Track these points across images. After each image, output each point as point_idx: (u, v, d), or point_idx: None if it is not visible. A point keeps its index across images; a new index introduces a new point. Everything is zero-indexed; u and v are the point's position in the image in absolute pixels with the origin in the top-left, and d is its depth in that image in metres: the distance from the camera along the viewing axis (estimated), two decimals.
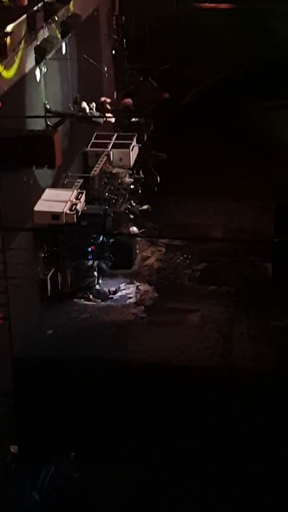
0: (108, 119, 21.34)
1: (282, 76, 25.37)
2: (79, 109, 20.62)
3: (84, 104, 20.65)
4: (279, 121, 25.53)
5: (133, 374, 17.04)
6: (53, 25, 18.91)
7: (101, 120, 21.14)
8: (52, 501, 16.32)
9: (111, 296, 20.20)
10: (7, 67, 16.44)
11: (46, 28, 18.58)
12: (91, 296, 19.99)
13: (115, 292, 20.32)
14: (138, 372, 17.09)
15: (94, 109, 21.08)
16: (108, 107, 22.05)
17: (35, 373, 17.15)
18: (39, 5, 17.95)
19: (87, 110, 20.65)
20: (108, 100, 22.33)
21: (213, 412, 16.50)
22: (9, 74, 16.65)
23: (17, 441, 16.97)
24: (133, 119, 23.53)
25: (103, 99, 22.22)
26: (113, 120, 21.52)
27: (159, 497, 16.04)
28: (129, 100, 22.93)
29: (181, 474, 16.24)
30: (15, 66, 16.92)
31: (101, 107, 21.94)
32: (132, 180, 22.19)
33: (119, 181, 21.77)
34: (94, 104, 21.16)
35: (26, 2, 17.34)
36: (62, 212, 18.43)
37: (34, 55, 18.14)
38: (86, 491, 16.34)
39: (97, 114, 21.01)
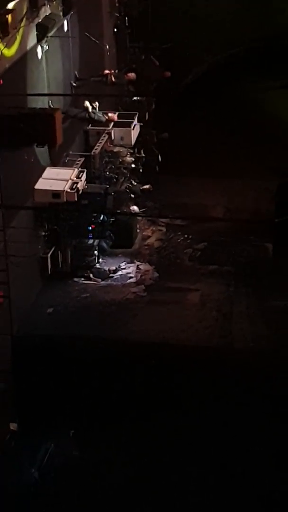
0: (110, 117, 21.27)
1: (283, 56, 25.29)
2: (82, 108, 20.68)
3: (87, 104, 20.69)
4: (281, 101, 25.46)
5: (132, 353, 17.08)
6: (54, 2, 18.79)
7: (103, 118, 21.13)
8: (51, 478, 16.41)
9: (111, 275, 20.21)
10: (8, 45, 16.36)
11: (48, 6, 18.49)
12: (91, 275, 19.99)
13: (115, 271, 20.33)
14: (138, 351, 17.12)
15: (97, 108, 21.12)
16: (113, 79, 22.03)
17: (35, 351, 17.20)
18: None
19: (90, 110, 20.67)
20: (112, 71, 22.32)
21: (213, 392, 16.55)
22: (10, 51, 16.57)
23: (16, 418, 17.05)
24: (135, 98, 23.47)
25: (107, 71, 22.18)
26: (115, 117, 21.42)
27: (158, 477, 16.13)
28: (132, 74, 22.93)
29: (181, 455, 16.32)
30: (16, 43, 16.83)
31: (105, 80, 21.94)
32: (133, 159, 22.14)
33: (120, 160, 21.73)
34: (97, 103, 21.22)
35: None
36: (63, 191, 18.39)
37: (35, 33, 18.06)
38: (85, 469, 16.42)
39: (100, 113, 21.03)
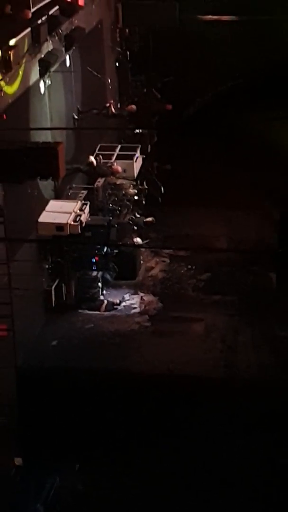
0: (114, 169, 21.48)
1: (285, 87, 25.44)
2: (86, 162, 21.02)
3: (92, 159, 21.03)
4: (282, 132, 25.59)
5: (137, 385, 17.06)
6: (57, 38, 19.02)
7: (108, 172, 21.37)
8: None
9: (115, 307, 20.25)
10: (11, 80, 16.55)
11: (50, 41, 18.71)
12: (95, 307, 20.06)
13: (119, 303, 20.37)
14: (142, 383, 17.10)
15: (101, 161, 21.42)
16: (113, 110, 22.29)
17: (39, 384, 17.18)
18: (43, 18, 18.09)
19: (95, 164, 20.88)
20: (112, 101, 22.59)
21: (219, 423, 16.49)
22: (13, 87, 16.76)
23: (21, 453, 17.00)
24: (137, 130, 23.65)
25: (108, 104, 22.43)
26: (119, 169, 21.66)
27: (162, 509, 16.03)
28: (133, 106, 23.21)
29: (186, 486, 16.23)
30: (19, 78, 17.02)
31: (105, 112, 22.19)
32: (136, 191, 22.27)
33: (123, 192, 21.86)
34: (101, 157, 21.60)
35: (30, 15, 17.47)
36: (66, 223, 18.50)
37: (38, 68, 18.27)
38: (90, 503, 16.33)
39: (104, 167, 21.30)
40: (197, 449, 16.42)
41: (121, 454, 16.65)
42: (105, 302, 20.29)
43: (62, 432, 16.89)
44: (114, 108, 22.59)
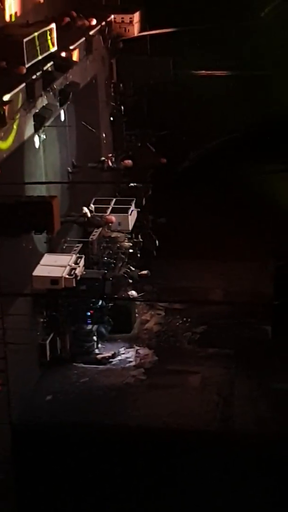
0: (108, 220, 21.61)
1: (279, 141, 25.66)
2: (80, 213, 21.15)
3: (86, 210, 21.20)
4: (278, 185, 25.73)
5: (133, 439, 16.93)
6: (51, 93, 19.20)
7: (102, 222, 21.54)
8: None
9: (110, 360, 20.16)
10: (6, 135, 16.67)
11: (45, 96, 18.88)
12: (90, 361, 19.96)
13: (114, 356, 20.27)
14: (138, 437, 16.97)
15: (94, 211, 21.66)
16: (110, 164, 22.44)
17: (35, 440, 17.03)
18: (38, 73, 18.29)
19: (89, 215, 21.07)
20: (110, 155, 22.75)
21: (215, 476, 16.34)
22: (7, 143, 16.87)
23: (18, 509, 16.79)
24: (132, 184, 23.79)
25: (103, 158, 22.60)
26: (113, 219, 21.79)
27: None
28: (129, 161, 23.38)
29: None
30: (13, 133, 17.14)
31: (101, 166, 22.35)
32: (131, 244, 22.31)
33: (118, 245, 21.90)
34: (93, 206, 21.85)
35: (25, 71, 17.68)
36: (61, 277, 18.49)
37: (33, 123, 18.41)
38: None
39: (98, 218, 21.51)
40: (193, 503, 16.25)
41: (117, 508, 16.47)
42: (101, 354, 20.22)
43: (58, 486, 16.72)
44: (111, 162, 22.75)
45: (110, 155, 23.19)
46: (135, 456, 16.74)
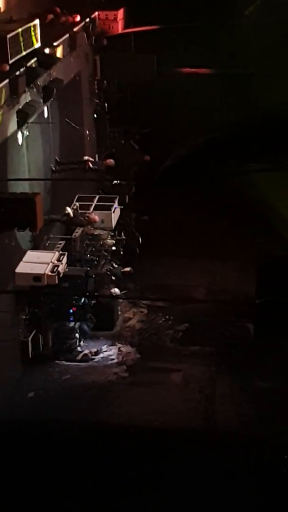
0: (91, 219, 21.61)
1: (261, 139, 25.70)
2: (63, 214, 21.15)
3: (68, 210, 21.22)
4: (260, 183, 25.78)
5: (115, 436, 16.91)
6: (35, 89, 19.14)
7: (85, 222, 21.53)
8: None
9: (92, 357, 20.15)
10: None
11: (28, 93, 18.82)
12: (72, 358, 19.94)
13: (96, 354, 20.26)
14: (120, 434, 16.96)
15: (77, 210, 21.70)
16: (90, 165, 22.40)
17: (16, 437, 16.97)
18: (21, 70, 18.23)
19: (71, 215, 21.07)
20: (91, 159, 22.72)
21: (197, 474, 16.34)
22: None
23: None
24: (115, 181, 23.76)
25: (85, 158, 22.57)
26: (96, 218, 21.81)
27: None
28: (111, 161, 23.32)
29: None
30: None
31: (83, 166, 22.31)
32: (114, 241, 22.31)
33: (101, 242, 21.89)
34: (78, 205, 21.87)
35: (7, 68, 17.61)
36: (44, 274, 18.46)
37: (16, 119, 18.34)
38: None
39: (81, 217, 21.54)
40: (174, 500, 16.23)
41: (98, 506, 16.43)
42: (83, 351, 20.19)
43: (38, 484, 16.65)
44: (92, 163, 22.67)
45: (89, 157, 23.07)
46: (117, 453, 16.70)
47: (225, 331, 21.46)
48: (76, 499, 16.64)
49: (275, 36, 25.19)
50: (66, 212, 21.14)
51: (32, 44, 19.08)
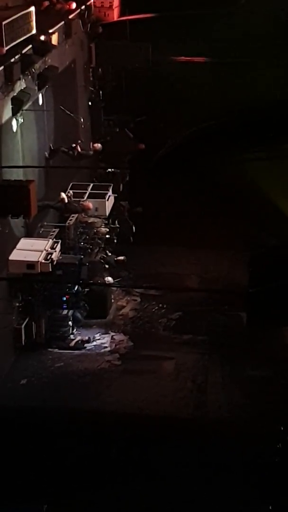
0: (85, 206, 21.61)
1: (257, 129, 25.66)
2: (57, 200, 21.16)
3: (63, 195, 21.21)
4: (254, 173, 25.77)
5: (106, 424, 16.94)
6: (29, 76, 19.10)
7: (79, 208, 21.59)
8: None
9: (85, 345, 20.17)
10: None
11: (23, 80, 18.78)
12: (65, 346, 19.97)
13: (89, 341, 20.29)
14: (112, 422, 17.00)
15: (71, 197, 21.66)
16: (79, 150, 22.42)
17: (7, 424, 16.99)
18: (16, 57, 18.18)
19: (66, 200, 21.06)
20: (80, 144, 22.76)
21: (188, 462, 16.38)
22: None
23: None
24: (109, 170, 23.76)
25: (74, 144, 22.58)
26: (90, 206, 21.79)
27: None
28: (98, 145, 23.48)
29: None
30: None
31: (72, 152, 22.29)
32: (108, 229, 22.31)
33: (95, 230, 21.90)
34: (71, 192, 21.86)
35: (4, 51, 17.56)
36: (37, 261, 18.46)
37: (11, 106, 18.31)
38: None
39: (75, 203, 21.52)
40: (166, 488, 16.28)
41: (90, 494, 16.47)
42: (76, 339, 20.22)
43: (30, 472, 16.69)
44: (81, 148, 22.67)
45: (79, 142, 23.08)
46: (108, 441, 16.73)
47: (218, 320, 21.50)
48: (68, 487, 16.69)
49: (271, 25, 25.15)
50: (61, 197, 21.12)
51: (28, 31, 19.03)
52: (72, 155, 22.33)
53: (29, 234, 19.65)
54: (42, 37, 19.88)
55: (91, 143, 23.75)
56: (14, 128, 18.85)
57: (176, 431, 16.94)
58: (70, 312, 20.21)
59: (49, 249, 18.96)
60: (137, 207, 24.30)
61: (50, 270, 18.68)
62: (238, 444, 16.58)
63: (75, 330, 20.54)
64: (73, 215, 21.40)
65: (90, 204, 21.84)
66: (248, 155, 25.77)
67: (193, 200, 24.93)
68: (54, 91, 21.41)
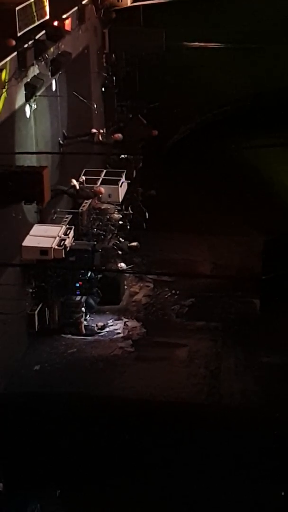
0: (97, 191, 21.59)
1: (271, 115, 25.58)
2: (70, 186, 21.12)
3: (74, 182, 21.20)
4: (267, 159, 25.69)
5: (119, 410, 16.98)
6: (43, 62, 19.07)
7: (91, 194, 21.55)
8: None
9: (98, 331, 20.21)
10: None
11: (36, 66, 18.76)
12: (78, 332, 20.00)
13: (102, 328, 20.32)
14: (125, 408, 17.03)
15: (84, 183, 21.64)
16: (100, 138, 22.36)
17: (21, 409, 17.06)
18: (30, 42, 18.15)
19: (77, 187, 21.04)
20: (101, 131, 22.68)
21: (201, 449, 16.41)
22: None
23: (2, 478, 16.84)
24: (122, 156, 23.70)
25: (94, 130, 22.52)
26: (102, 190, 21.77)
27: None
28: (119, 135, 23.25)
29: None
30: (1, 102, 17.02)
31: (91, 139, 22.25)
32: (121, 216, 22.28)
33: (108, 217, 21.86)
34: (84, 177, 21.81)
35: (14, 43, 17.52)
36: (51, 248, 18.47)
37: (24, 92, 18.29)
38: None
39: (88, 190, 21.48)
40: (179, 475, 16.32)
41: (102, 480, 16.53)
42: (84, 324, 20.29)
43: (44, 458, 16.76)
44: (101, 136, 22.65)
45: (101, 130, 23.04)
46: (121, 427, 16.77)
47: (231, 307, 21.48)
48: (81, 472, 16.76)
49: (287, 9, 25.00)
50: (72, 184, 21.10)
51: (41, 17, 18.97)
52: (91, 141, 22.31)
53: (42, 220, 19.66)
54: (56, 23, 19.82)
55: (111, 132, 23.62)
56: (28, 114, 18.84)
57: (189, 418, 16.96)
58: (83, 298, 20.22)
59: (63, 235, 18.96)
60: (150, 191, 24.24)
61: (63, 256, 18.70)
62: (252, 430, 16.59)
63: (88, 316, 20.55)
64: (86, 201, 21.38)
65: (102, 188, 21.81)
66: (262, 141, 25.69)
67: (207, 187, 24.87)
68: (67, 77, 21.37)
